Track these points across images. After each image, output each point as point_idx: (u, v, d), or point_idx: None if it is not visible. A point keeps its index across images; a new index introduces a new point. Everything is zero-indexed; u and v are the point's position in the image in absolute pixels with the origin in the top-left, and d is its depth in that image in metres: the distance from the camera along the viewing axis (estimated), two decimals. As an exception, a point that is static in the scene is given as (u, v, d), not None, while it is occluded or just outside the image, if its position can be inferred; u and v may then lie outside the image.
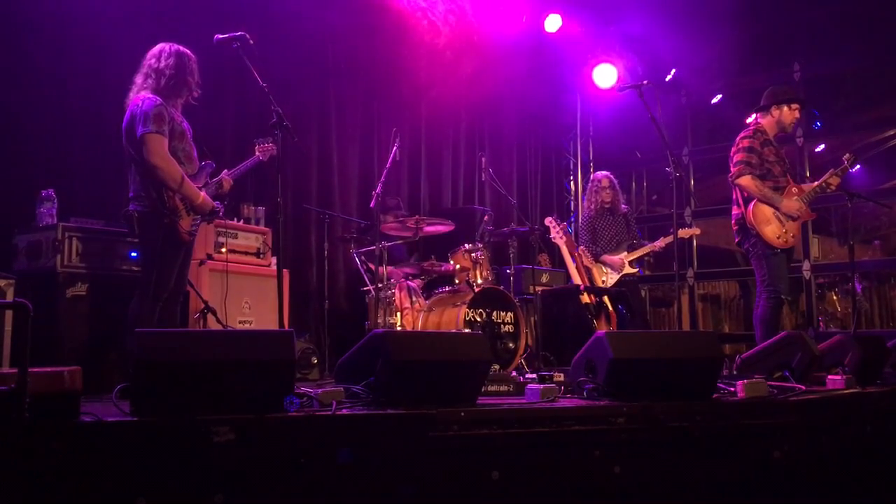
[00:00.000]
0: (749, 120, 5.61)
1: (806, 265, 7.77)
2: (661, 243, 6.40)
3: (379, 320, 5.42)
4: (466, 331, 5.20)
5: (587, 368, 3.22)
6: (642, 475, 2.89)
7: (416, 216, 5.90)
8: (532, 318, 6.40)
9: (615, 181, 6.69)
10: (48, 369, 2.25)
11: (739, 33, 8.33)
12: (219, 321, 4.78)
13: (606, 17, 8.33)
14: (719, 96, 8.82)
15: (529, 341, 6.01)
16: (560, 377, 3.86)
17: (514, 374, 4.69)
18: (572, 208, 9.57)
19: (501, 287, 6.04)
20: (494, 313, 5.69)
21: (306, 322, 6.40)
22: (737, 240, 5.42)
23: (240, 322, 5.19)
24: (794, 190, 5.28)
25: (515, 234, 6.35)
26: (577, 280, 6.04)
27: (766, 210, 5.17)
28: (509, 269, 6.47)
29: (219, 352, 2.54)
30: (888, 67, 8.00)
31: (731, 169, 5.31)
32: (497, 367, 5.27)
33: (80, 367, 2.33)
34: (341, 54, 7.08)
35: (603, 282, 6.34)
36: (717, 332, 9.01)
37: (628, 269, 6.37)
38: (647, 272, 8.69)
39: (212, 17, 5.32)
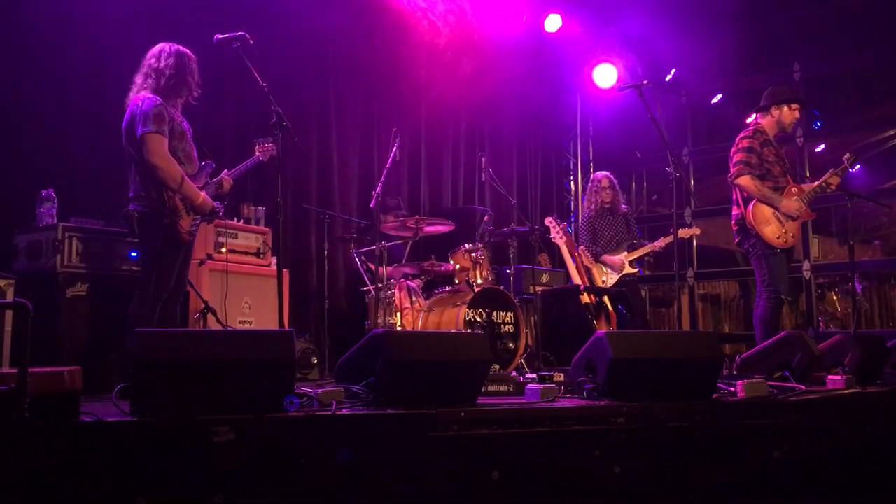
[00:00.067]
0: (749, 120, 5.62)
1: (806, 265, 7.77)
2: (661, 243, 6.40)
3: (379, 320, 5.42)
4: (466, 331, 5.20)
5: (587, 368, 3.22)
6: (642, 475, 2.89)
7: (416, 216, 5.91)
8: (532, 318, 6.40)
9: (615, 181, 6.69)
10: (48, 369, 2.25)
11: (739, 33, 8.33)
12: (219, 321, 4.78)
13: (606, 17, 8.33)
14: (719, 96, 8.82)
15: (529, 341, 6.01)
16: (560, 377, 3.86)
17: (514, 374, 4.69)
18: (572, 208, 9.57)
19: (501, 287, 6.04)
20: (494, 313, 5.69)
21: (306, 322, 6.40)
22: (737, 240, 5.42)
23: (240, 322, 5.19)
24: (794, 190, 5.28)
25: (515, 234, 6.35)
26: (577, 280, 6.04)
27: (766, 210, 5.17)
28: (509, 269, 6.47)
29: (219, 352, 2.54)
30: (888, 67, 8.00)
31: (731, 169, 5.31)
32: (497, 367, 5.27)
33: (80, 367, 2.33)
34: (341, 54, 7.08)
35: (603, 282, 6.34)
36: (717, 332, 9.00)
37: (628, 269, 6.37)
38: (647, 272, 8.69)
39: (212, 17, 5.32)
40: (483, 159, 6.52)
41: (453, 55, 7.65)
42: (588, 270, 6.20)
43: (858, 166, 8.87)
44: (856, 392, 3.71)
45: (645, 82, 4.91)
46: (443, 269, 6.00)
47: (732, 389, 3.38)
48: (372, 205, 5.38)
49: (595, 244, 6.49)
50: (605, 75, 8.55)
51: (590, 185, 6.82)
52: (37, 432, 2.10)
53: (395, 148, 5.48)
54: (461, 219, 6.80)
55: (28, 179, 4.80)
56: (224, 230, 5.19)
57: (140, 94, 4.06)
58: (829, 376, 3.82)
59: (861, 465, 3.48)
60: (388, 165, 5.50)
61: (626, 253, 6.42)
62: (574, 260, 6.06)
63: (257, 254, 5.45)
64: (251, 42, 3.86)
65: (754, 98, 5.69)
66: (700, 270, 8.56)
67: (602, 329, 5.63)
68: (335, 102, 7.04)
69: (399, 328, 5.60)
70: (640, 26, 8.04)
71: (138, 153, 3.97)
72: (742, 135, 5.37)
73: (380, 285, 5.45)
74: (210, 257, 5.08)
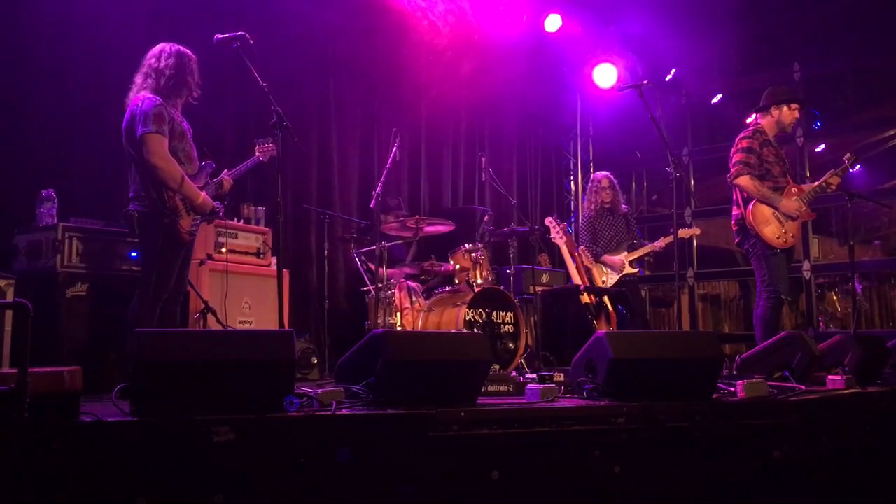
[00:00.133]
0: (749, 120, 5.62)
1: (806, 265, 7.77)
2: (661, 243, 6.40)
3: (379, 320, 5.42)
4: (466, 331, 5.20)
5: (587, 368, 3.22)
6: (642, 475, 2.89)
7: (417, 216, 5.91)
8: (532, 318, 6.40)
9: (615, 181, 6.69)
10: (48, 369, 2.25)
11: (739, 33, 8.33)
12: (219, 321, 4.78)
13: (606, 17, 8.34)
14: (719, 96, 8.82)
15: (529, 341, 6.01)
16: (560, 377, 3.86)
17: (514, 374, 4.69)
18: (572, 208, 9.57)
19: (501, 287, 6.04)
20: (494, 313, 5.69)
21: (306, 322, 6.40)
22: (737, 240, 5.42)
23: (240, 322, 5.19)
24: (794, 190, 5.28)
25: (515, 234, 6.35)
26: (577, 280, 6.04)
27: (766, 210, 5.17)
28: (509, 269, 6.47)
29: (219, 352, 2.54)
30: (888, 67, 7.99)
31: (730, 169, 5.31)
32: (497, 367, 5.27)
33: (80, 367, 2.33)
34: (341, 54, 7.08)
35: (603, 282, 6.34)
36: (717, 332, 9.00)
37: (628, 269, 6.37)
38: (647, 272, 8.68)
39: (212, 17, 5.32)
40: (483, 159, 6.53)
41: (453, 55, 7.65)
42: (588, 270, 6.20)
43: (858, 166, 8.87)
44: (856, 392, 3.71)
45: (645, 82, 4.91)
46: (443, 269, 6.00)
47: (732, 389, 3.38)
48: (372, 205, 5.38)
49: (595, 244, 6.49)
50: (605, 75, 8.55)
51: (590, 185, 6.82)
52: (37, 432, 2.10)
53: (395, 148, 5.48)
54: (461, 219, 6.80)
55: (28, 179, 4.80)
56: (224, 230, 5.19)
57: (140, 94, 4.06)
58: (829, 376, 3.82)
59: (861, 465, 3.48)
60: (388, 165, 5.50)
61: (626, 253, 6.42)
62: (574, 260, 6.06)
63: (257, 254, 5.45)
64: (251, 42, 3.86)
65: (754, 98, 5.68)
66: (700, 270, 8.56)
67: (602, 329, 5.63)
68: (335, 102, 7.04)
69: (399, 328, 5.60)
70: (640, 26, 8.04)
71: (138, 153, 3.97)
72: (741, 135, 5.37)
73: (380, 285, 5.45)
74: (210, 257, 5.08)
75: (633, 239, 6.58)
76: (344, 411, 2.59)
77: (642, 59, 8.59)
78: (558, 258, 7.24)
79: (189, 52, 4.19)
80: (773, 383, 3.58)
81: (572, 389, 3.33)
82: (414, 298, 5.88)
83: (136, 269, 4.49)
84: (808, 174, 7.74)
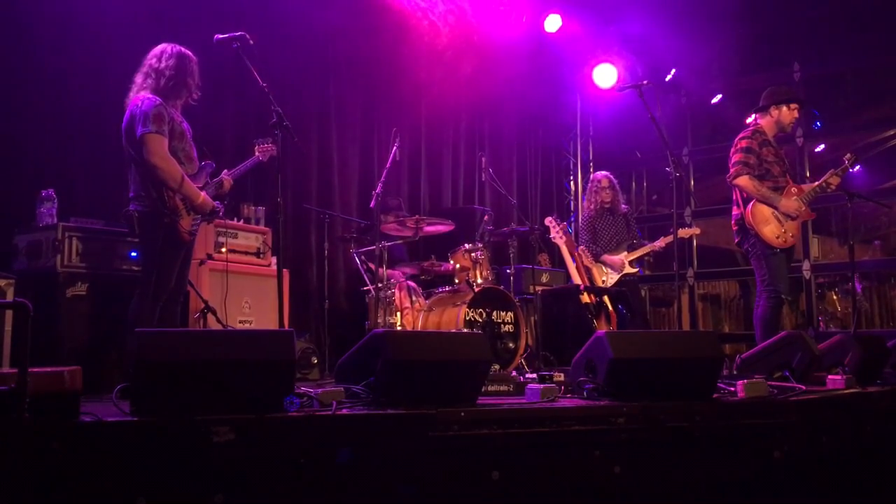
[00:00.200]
0: (749, 120, 5.62)
1: (806, 265, 7.77)
2: (661, 243, 6.40)
3: (379, 320, 5.42)
4: (466, 331, 5.20)
5: (587, 368, 3.22)
6: (642, 475, 2.89)
7: (416, 216, 5.91)
8: (532, 318, 6.40)
9: (615, 181, 6.69)
10: (48, 369, 2.25)
11: (739, 33, 8.34)
12: (219, 321, 4.78)
13: (606, 17, 8.33)
14: (719, 96, 8.82)
15: (529, 341, 6.01)
16: (560, 377, 3.86)
17: (514, 374, 4.68)
18: (572, 208, 9.57)
19: (501, 287, 6.04)
20: (494, 313, 5.69)
21: (306, 322, 6.40)
22: (737, 240, 5.42)
23: (240, 322, 5.19)
24: (794, 190, 5.28)
25: (515, 234, 6.35)
26: (577, 280, 6.04)
27: (765, 210, 5.18)
28: (509, 269, 6.47)
29: (219, 352, 2.54)
30: (888, 67, 7.99)
31: (730, 169, 5.31)
32: (497, 367, 5.27)
33: (80, 367, 2.33)
34: (341, 54, 7.08)
35: (603, 282, 6.34)
36: (717, 332, 9.00)
37: (628, 269, 6.37)
38: (647, 272, 8.68)
39: (212, 17, 5.32)
40: (483, 159, 6.52)
41: (453, 55, 7.65)
42: (588, 270, 6.20)
43: (858, 166, 8.87)
44: (856, 392, 3.71)
45: (645, 82, 4.91)
46: (443, 268, 6.00)
47: (732, 389, 3.37)
48: (372, 205, 5.37)
49: (595, 244, 6.49)
50: (605, 75, 8.55)
51: (590, 185, 6.82)
52: (37, 432, 2.10)
53: (395, 148, 5.48)
54: (461, 219, 6.80)
55: (28, 179, 4.81)
56: (224, 230, 5.19)
57: (140, 95, 4.06)
58: (829, 376, 3.81)
59: (861, 465, 3.48)
60: (388, 165, 5.50)
61: (626, 253, 6.42)
62: (574, 260, 6.06)
63: (257, 254, 5.45)
64: (251, 42, 3.86)
65: (754, 98, 5.68)
66: (700, 270, 8.56)
67: (602, 329, 5.63)
68: (335, 102, 7.04)
69: (399, 328, 5.60)
70: (640, 26, 8.03)
71: (138, 153, 3.97)
72: (740, 135, 5.37)
73: (380, 285, 5.45)
74: (210, 257, 5.08)
75: (633, 239, 6.58)
76: (344, 411, 2.59)
77: (642, 60, 8.59)
78: (558, 258, 7.24)
79: (190, 53, 4.19)
80: (773, 383, 3.58)
81: (572, 389, 3.33)
82: (414, 298, 5.88)
83: (136, 269, 4.49)
84: (808, 174, 7.74)
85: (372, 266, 5.69)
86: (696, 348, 3.31)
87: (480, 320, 5.58)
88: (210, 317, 4.75)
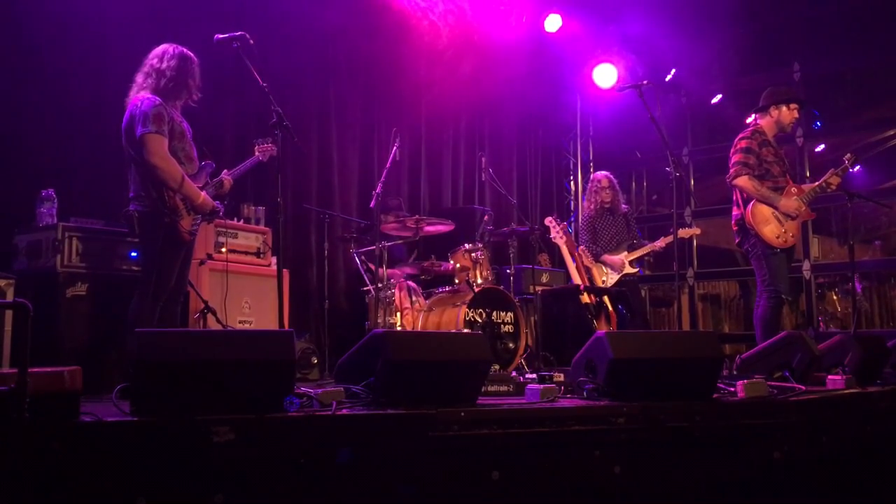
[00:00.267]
0: (749, 120, 5.62)
1: (806, 265, 7.77)
2: (661, 243, 6.40)
3: (379, 320, 5.42)
4: (466, 331, 5.20)
5: (587, 368, 3.22)
6: (642, 475, 2.89)
7: (416, 216, 5.91)
8: (532, 318, 6.40)
9: (615, 181, 6.69)
10: (48, 369, 2.25)
11: (739, 33, 8.33)
12: (219, 321, 4.78)
13: (606, 17, 8.33)
14: (719, 96, 8.82)
15: (529, 341, 6.01)
16: (560, 377, 3.86)
17: (514, 374, 4.68)
18: (572, 208, 9.57)
19: (501, 287, 6.04)
20: (494, 313, 5.69)
21: (306, 322, 6.40)
22: (737, 241, 5.42)
23: (240, 322, 5.19)
24: (794, 190, 5.28)
25: (515, 234, 6.35)
26: (577, 280, 6.04)
27: (765, 210, 5.18)
28: (509, 269, 6.47)
29: (219, 352, 2.54)
30: (888, 67, 7.99)
31: (729, 170, 5.31)
32: (497, 367, 5.27)
33: (80, 367, 2.33)
34: (341, 54, 7.08)
35: (603, 282, 6.34)
36: (717, 332, 9.00)
37: (628, 269, 6.37)
38: (647, 272, 8.69)
39: (212, 17, 5.32)
40: (483, 159, 6.53)
41: (453, 55, 7.66)
42: (588, 270, 6.20)
43: (858, 166, 8.88)
44: (856, 392, 3.71)
45: (645, 82, 4.91)
46: (443, 268, 6.00)
47: (732, 389, 3.37)
48: (372, 205, 5.38)
49: (595, 244, 6.49)
50: (605, 75, 8.55)
51: (589, 185, 6.82)
52: (37, 432, 2.10)
53: (395, 148, 5.48)
54: (461, 219, 6.80)
55: (28, 179, 4.80)
56: (224, 230, 5.19)
57: (139, 94, 4.06)
58: (829, 376, 3.81)
59: (861, 465, 3.48)
60: (388, 165, 5.50)
61: (626, 253, 6.42)
62: (574, 260, 6.06)
63: (257, 254, 5.46)
64: (251, 42, 3.86)
65: (754, 98, 5.68)
66: (700, 270, 8.56)
67: (602, 329, 5.63)
68: (335, 102, 7.04)
69: (399, 328, 5.60)
70: (640, 26, 8.03)
71: (138, 153, 3.97)
72: (740, 136, 5.37)
73: (380, 285, 5.45)
74: (210, 257, 5.08)
75: (633, 239, 6.58)
76: (344, 411, 2.59)
77: (642, 59, 8.58)
78: (558, 258, 7.24)
79: (192, 54, 4.19)
80: (773, 383, 3.58)
81: (572, 389, 3.33)
82: (414, 298, 5.88)
83: (136, 269, 4.49)
84: (808, 174, 7.74)
85: (372, 266, 5.69)
86: (696, 348, 3.31)
87: (480, 320, 5.58)
88: (210, 317, 4.76)
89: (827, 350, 4.12)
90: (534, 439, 2.75)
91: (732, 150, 5.35)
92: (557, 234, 6.08)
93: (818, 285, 8.55)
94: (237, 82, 5.94)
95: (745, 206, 5.24)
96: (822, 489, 3.25)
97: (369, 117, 7.39)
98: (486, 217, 7.05)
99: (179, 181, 4.00)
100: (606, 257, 6.41)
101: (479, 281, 5.82)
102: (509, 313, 5.76)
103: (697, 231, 7.11)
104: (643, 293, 8.45)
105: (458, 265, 5.95)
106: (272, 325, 5.10)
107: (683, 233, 6.52)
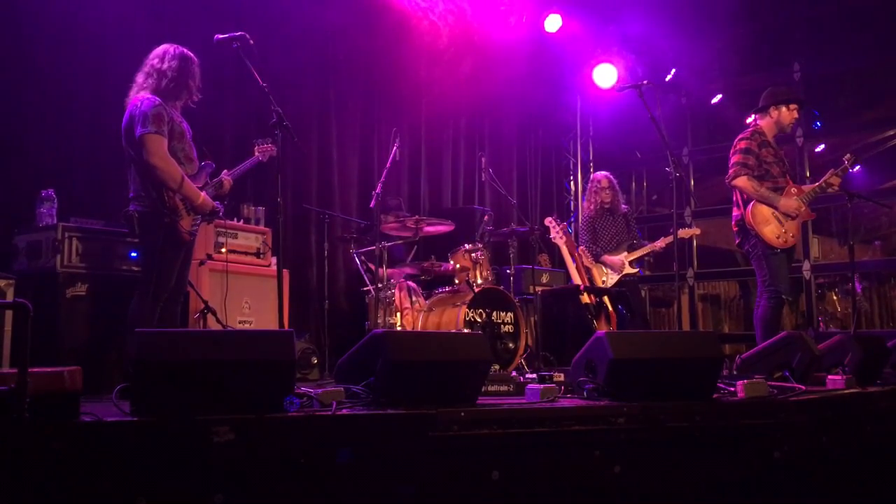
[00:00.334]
0: (748, 121, 5.62)
1: (806, 265, 7.77)
2: (661, 243, 6.40)
3: (379, 320, 5.42)
4: (466, 331, 5.20)
5: (587, 368, 3.22)
6: (642, 475, 2.89)
7: (416, 216, 5.91)
8: (532, 318, 6.40)
9: (615, 181, 6.68)
10: (48, 369, 2.25)
11: (739, 33, 8.34)
12: (219, 321, 4.78)
13: (606, 17, 8.34)
14: (719, 96, 8.82)
15: (529, 341, 6.01)
16: (560, 377, 3.86)
17: (514, 374, 4.68)
18: (572, 208, 9.57)
19: (501, 287, 6.04)
20: (494, 313, 5.69)
21: (306, 322, 6.40)
22: (737, 241, 5.42)
23: (240, 322, 5.19)
24: (794, 190, 5.28)
25: (515, 234, 6.36)
26: (577, 280, 6.04)
27: (765, 210, 5.18)
28: (509, 269, 6.47)
29: (219, 352, 2.54)
30: (888, 67, 7.99)
31: (729, 170, 5.31)
32: (497, 367, 5.28)
33: (80, 367, 2.33)
34: (341, 54, 7.08)
35: (603, 282, 6.34)
36: (717, 332, 9.01)
37: (628, 270, 6.37)
38: (647, 272, 8.68)
39: (212, 17, 5.32)
40: (483, 159, 6.54)
41: (453, 55, 7.66)
42: (588, 270, 6.20)
43: (858, 166, 8.88)
44: (856, 392, 3.71)
45: (645, 82, 4.91)
46: (443, 269, 6.00)
47: (732, 389, 3.37)
48: (372, 205, 5.38)
49: (595, 244, 6.49)
50: (605, 75, 8.55)
51: (589, 185, 6.81)
52: (37, 432, 2.10)
53: (395, 148, 5.49)
54: (461, 219, 6.80)
55: (28, 179, 4.80)
56: (224, 230, 5.19)
57: (139, 95, 4.06)
58: (829, 376, 3.82)
59: (861, 465, 3.48)
60: (388, 165, 5.50)
61: (626, 253, 6.42)
62: (574, 260, 6.06)
63: (257, 254, 5.45)
64: (251, 42, 3.86)
65: (754, 98, 5.68)
66: (700, 270, 8.56)
67: (602, 329, 5.63)
68: (335, 102, 7.04)
69: (399, 328, 5.60)
70: (640, 26, 8.04)
71: (138, 154, 3.97)
72: (739, 136, 5.37)
73: (380, 285, 5.45)
74: (210, 257, 5.08)
75: (633, 239, 6.58)
76: (344, 411, 2.59)
77: (642, 59, 8.59)
78: (558, 258, 7.24)
79: (193, 55, 4.19)
80: (773, 383, 3.58)
81: (572, 389, 3.32)
82: (414, 298, 5.88)
83: (136, 269, 4.49)
84: (808, 174, 7.74)
85: (372, 266, 5.69)
86: (696, 348, 3.31)
87: (480, 321, 5.58)
88: (210, 317, 4.76)
89: (827, 350, 4.12)
90: (534, 439, 2.75)
91: (732, 151, 5.35)
92: (557, 235, 6.08)
93: (818, 285, 8.55)
94: (237, 82, 5.95)
95: (745, 207, 5.24)
96: (822, 489, 3.25)
97: (369, 117, 7.39)
98: (486, 217, 7.05)
99: (179, 181, 4.00)
100: (606, 257, 6.41)
101: (479, 281, 5.82)
102: (509, 313, 5.76)
103: (697, 231, 7.11)
104: (643, 293, 8.44)
105: (458, 265, 5.95)
106: (272, 325, 5.10)
107: (683, 233, 6.52)
